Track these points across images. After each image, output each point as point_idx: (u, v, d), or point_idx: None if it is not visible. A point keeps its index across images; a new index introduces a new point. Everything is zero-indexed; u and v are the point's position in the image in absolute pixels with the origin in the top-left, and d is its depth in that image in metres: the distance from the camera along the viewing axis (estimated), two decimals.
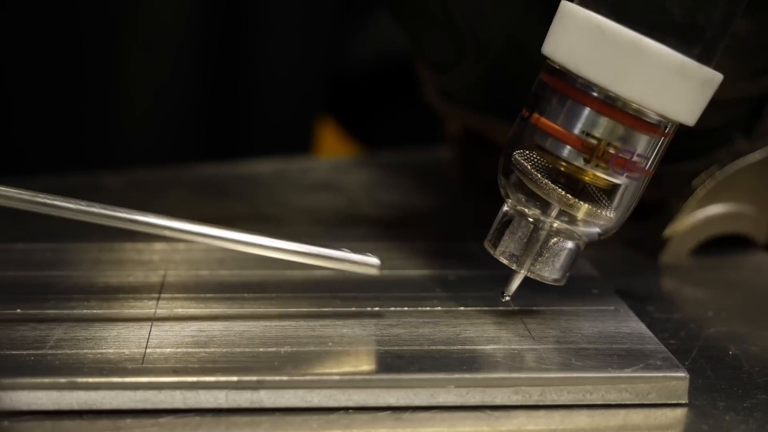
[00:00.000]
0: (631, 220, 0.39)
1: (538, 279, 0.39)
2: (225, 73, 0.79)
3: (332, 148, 0.98)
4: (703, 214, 0.51)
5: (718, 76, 0.37)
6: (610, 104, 0.36)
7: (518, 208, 0.39)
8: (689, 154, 0.54)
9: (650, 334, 0.39)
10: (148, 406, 0.35)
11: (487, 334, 0.39)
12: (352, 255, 0.39)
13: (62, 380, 0.34)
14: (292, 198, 0.59)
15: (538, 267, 0.39)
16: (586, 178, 0.37)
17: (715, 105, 0.50)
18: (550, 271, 0.39)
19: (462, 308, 0.41)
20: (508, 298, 0.40)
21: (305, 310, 0.40)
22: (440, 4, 0.53)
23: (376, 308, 0.40)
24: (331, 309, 0.40)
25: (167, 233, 0.38)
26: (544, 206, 0.38)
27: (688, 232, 0.51)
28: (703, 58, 0.36)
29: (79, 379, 0.35)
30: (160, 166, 0.67)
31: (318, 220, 0.54)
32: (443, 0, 0.53)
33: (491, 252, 0.39)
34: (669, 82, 0.36)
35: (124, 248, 0.46)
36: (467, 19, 0.52)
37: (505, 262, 0.39)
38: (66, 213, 0.37)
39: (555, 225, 0.38)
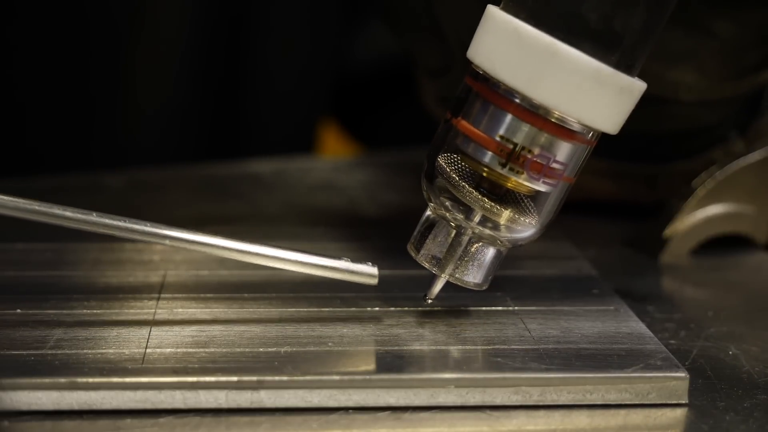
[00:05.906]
0: (630, 220, 0.39)
1: (460, 284, 0.39)
2: (228, 75, 0.79)
3: (334, 150, 0.98)
4: (703, 214, 0.51)
5: (639, 85, 0.36)
6: (530, 111, 0.36)
7: (439, 212, 0.39)
8: (684, 154, 0.54)
9: (650, 334, 0.39)
10: (148, 406, 0.35)
11: (487, 334, 0.39)
12: (352, 265, 0.39)
13: (62, 380, 0.34)
14: (292, 198, 0.59)
15: (460, 271, 0.39)
16: (508, 184, 0.37)
17: (705, 105, 0.50)
18: (473, 276, 0.39)
19: (462, 308, 0.41)
20: (430, 301, 0.40)
21: (305, 310, 0.40)
22: (424, 11, 0.53)
23: (376, 308, 0.41)
24: (331, 309, 0.40)
25: (166, 242, 0.38)
26: (467, 211, 0.38)
27: (688, 232, 0.51)
28: (622, 66, 0.35)
29: (79, 379, 0.35)
30: (161, 166, 0.67)
31: (318, 220, 0.54)
32: (427, 7, 0.53)
33: (413, 255, 0.39)
34: (584, 89, 0.35)
35: (124, 248, 0.46)
36: (452, 25, 0.52)
37: (426, 266, 0.39)
38: (64, 222, 0.37)
39: (477, 230, 0.38)
